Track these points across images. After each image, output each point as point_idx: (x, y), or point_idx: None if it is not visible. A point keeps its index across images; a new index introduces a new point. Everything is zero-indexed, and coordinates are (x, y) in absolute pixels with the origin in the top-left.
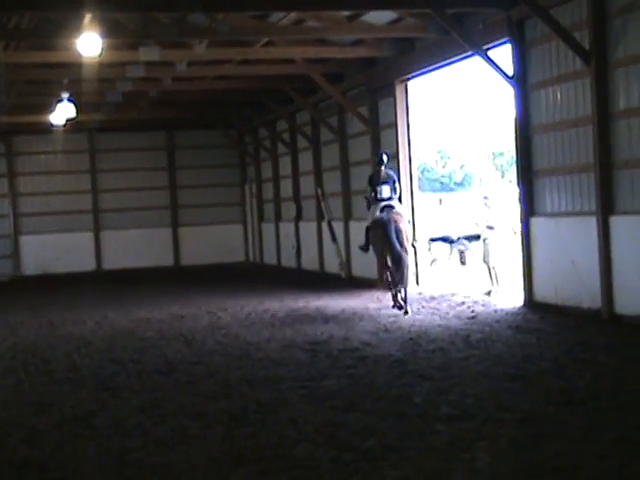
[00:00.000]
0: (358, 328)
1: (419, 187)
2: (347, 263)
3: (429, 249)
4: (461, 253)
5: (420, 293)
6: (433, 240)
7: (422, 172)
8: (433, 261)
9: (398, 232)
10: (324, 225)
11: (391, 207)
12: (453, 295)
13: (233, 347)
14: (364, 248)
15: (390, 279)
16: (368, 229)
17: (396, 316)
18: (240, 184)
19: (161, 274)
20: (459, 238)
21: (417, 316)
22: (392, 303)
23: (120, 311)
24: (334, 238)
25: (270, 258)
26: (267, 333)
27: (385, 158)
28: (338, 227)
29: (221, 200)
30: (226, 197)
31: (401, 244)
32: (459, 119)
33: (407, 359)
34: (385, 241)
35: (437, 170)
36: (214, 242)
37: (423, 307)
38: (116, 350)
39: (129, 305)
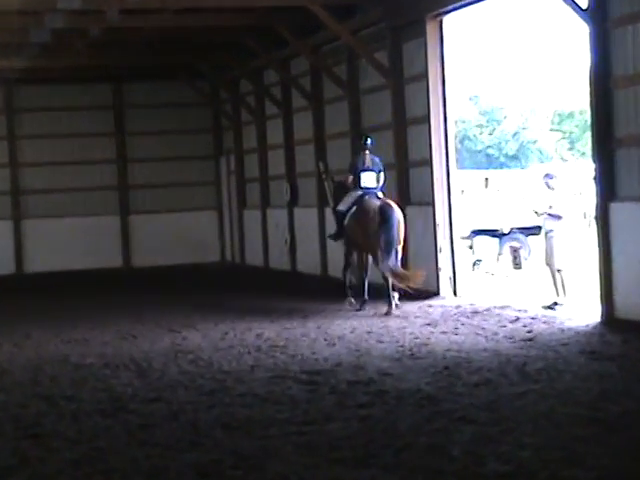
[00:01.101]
0: (374, 352)
1: (457, 163)
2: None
3: (471, 246)
4: (515, 251)
5: (458, 306)
6: (476, 234)
7: (462, 142)
8: (476, 262)
9: (397, 227)
10: (328, 213)
11: (376, 196)
12: (504, 308)
13: (204, 378)
14: (337, 236)
15: (364, 273)
16: (341, 214)
17: (427, 336)
18: (214, 157)
19: (105, 279)
20: (512, 231)
21: (454, 336)
22: (349, 298)
23: (48, 329)
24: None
25: (254, 257)
26: (250, 359)
27: (369, 141)
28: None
29: (188, 178)
30: (194, 174)
31: (396, 240)
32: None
33: (441, 395)
34: (380, 231)
35: (482, 139)
36: (178, 236)
37: (462, 324)
38: (43, 383)
39: (61, 321)
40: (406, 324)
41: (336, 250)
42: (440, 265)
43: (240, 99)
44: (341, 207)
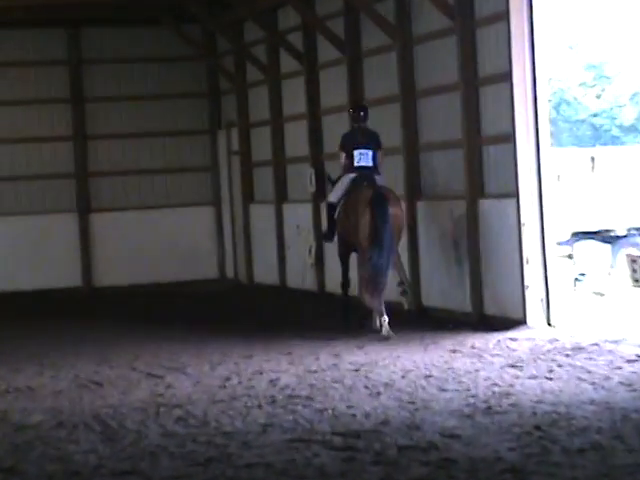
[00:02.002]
0: (435, 405)
1: (551, 138)
2: (414, 282)
3: (571, 256)
4: (634, 262)
5: (553, 340)
6: (579, 238)
7: (558, 108)
8: (579, 278)
9: (392, 223)
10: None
11: (372, 179)
12: (618, 343)
13: (197, 442)
14: (327, 236)
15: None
16: (334, 207)
17: (509, 382)
18: (209, 131)
19: (58, 303)
20: (630, 233)
21: (548, 383)
22: (376, 322)
23: None
24: None
25: (266, 273)
26: (262, 416)
27: (362, 113)
28: None
29: (173, 162)
30: (182, 156)
31: (391, 243)
32: (626, 7)
33: (530, 467)
34: (374, 228)
35: (586, 104)
36: (159, 242)
37: (559, 366)
38: None
39: None
40: (480, 365)
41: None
42: (527, 283)
43: (245, 50)
44: (332, 198)
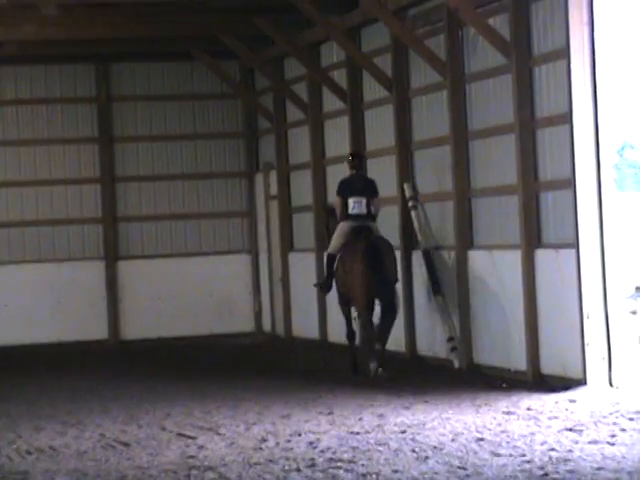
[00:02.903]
0: (488, 471)
1: (615, 182)
2: (466, 338)
3: (635, 311)
4: None
5: (616, 402)
6: None
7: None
8: None
9: (390, 269)
10: (417, 258)
11: (368, 229)
12: None
13: None
14: (324, 286)
15: (365, 333)
16: (332, 258)
17: (567, 447)
18: (246, 174)
19: (82, 357)
20: None
21: (610, 448)
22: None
23: None
24: (437, 286)
25: (306, 326)
26: None
27: (359, 161)
28: (448, 263)
29: (206, 207)
30: (217, 201)
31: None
32: None
33: None
34: (373, 279)
35: None
36: (193, 293)
37: (623, 430)
38: None
39: (17, 421)
40: (536, 428)
41: (429, 318)
42: (587, 340)
43: (285, 88)
44: (330, 249)
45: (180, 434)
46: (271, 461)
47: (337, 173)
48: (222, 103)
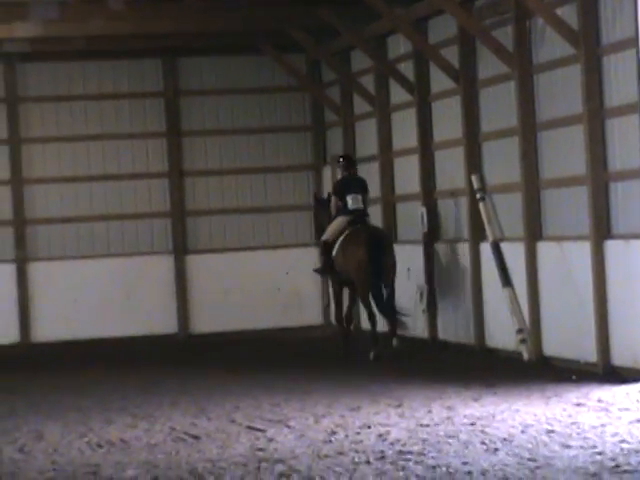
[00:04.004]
0: (558, 463)
1: None
2: (535, 330)
3: None
4: None
5: None
6: None
7: None
8: None
9: (391, 255)
10: (485, 250)
11: (365, 220)
12: None
13: None
14: (323, 271)
15: (346, 314)
16: (328, 245)
17: (639, 438)
18: (313, 167)
19: (153, 350)
20: None
21: None
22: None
23: (68, 426)
24: (507, 277)
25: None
26: (370, 472)
27: (350, 163)
28: (517, 255)
29: (274, 200)
30: (284, 194)
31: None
32: None
33: None
34: (377, 264)
35: None
36: (261, 286)
37: None
38: None
39: (87, 413)
40: (607, 420)
41: (498, 310)
42: None
43: (352, 80)
44: (326, 237)
45: (249, 427)
46: (341, 453)
47: (404, 165)
48: (289, 96)
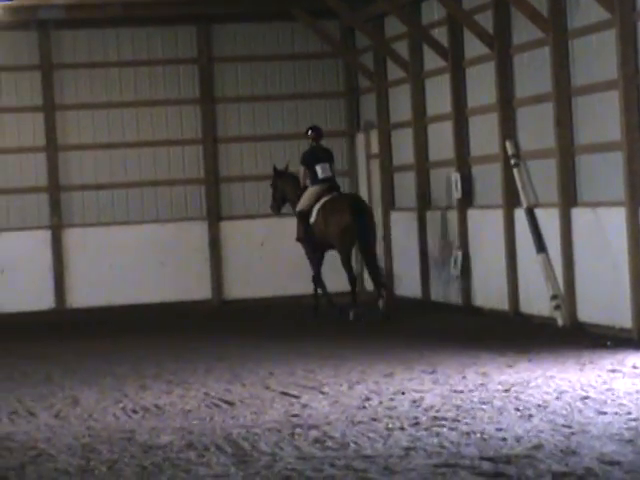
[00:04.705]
0: (593, 429)
1: None
2: (570, 296)
3: None
4: None
5: None
6: None
7: None
8: None
9: (372, 219)
10: (520, 216)
11: (338, 187)
12: None
13: (335, 467)
14: (304, 239)
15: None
16: (305, 214)
17: None
18: (347, 133)
19: (187, 316)
20: None
21: None
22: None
23: (104, 392)
24: (541, 243)
25: (407, 284)
26: (404, 438)
27: (318, 133)
28: (551, 221)
29: None
30: None
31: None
32: None
33: None
34: (359, 227)
35: None
36: (295, 253)
37: None
38: (98, 472)
39: (122, 380)
40: None
41: (533, 276)
42: None
43: (386, 47)
44: (301, 207)
45: (284, 393)
46: (375, 420)
47: (438, 131)
48: (323, 63)
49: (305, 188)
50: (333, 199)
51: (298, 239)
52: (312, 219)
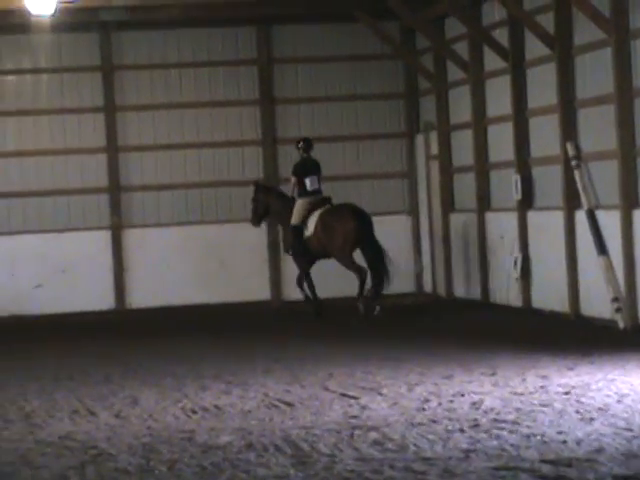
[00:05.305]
0: None
1: None
2: (631, 298)
3: None
4: None
5: None
6: None
7: None
8: None
9: (372, 226)
10: (581, 218)
11: (330, 199)
12: None
13: (394, 469)
14: (297, 252)
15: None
16: (299, 229)
17: None
18: (406, 134)
19: (247, 317)
20: None
21: None
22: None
23: (163, 392)
24: (602, 245)
25: (467, 287)
26: (464, 440)
27: (308, 144)
28: (612, 223)
29: (366, 168)
30: (376, 161)
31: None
32: None
33: None
34: (360, 235)
35: None
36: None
37: None
38: (157, 472)
39: (182, 380)
40: None
41: (594, 278)
42: None
43: (446, 48)
44: (295, 222)
45: (343, 394)
46: (434, 421)
47: (498, 133)
48: (383, 64)
49: (294, 199)
50: (331, 209)
51: (287, 252)
52: (308, 232)
